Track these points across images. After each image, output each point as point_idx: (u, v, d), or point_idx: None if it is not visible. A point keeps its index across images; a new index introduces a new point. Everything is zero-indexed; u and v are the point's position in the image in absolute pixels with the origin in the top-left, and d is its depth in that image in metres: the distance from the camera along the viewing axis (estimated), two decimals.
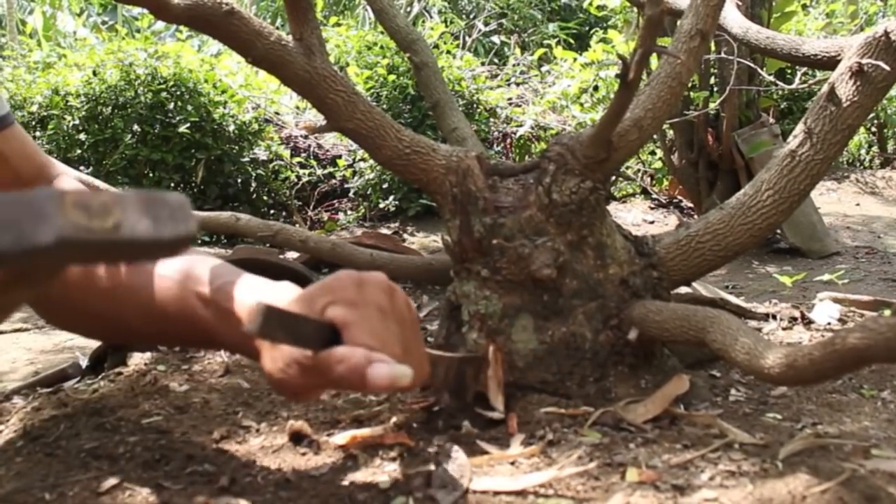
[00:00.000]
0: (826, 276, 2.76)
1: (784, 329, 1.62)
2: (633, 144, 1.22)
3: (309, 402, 0.83)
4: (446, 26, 7.74)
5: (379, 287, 0.82)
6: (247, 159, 5.37)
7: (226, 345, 0.95)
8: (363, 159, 5.65)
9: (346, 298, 0.79)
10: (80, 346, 2.04)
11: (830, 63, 1.48)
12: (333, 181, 5.90)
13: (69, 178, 1.10)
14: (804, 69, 4.39)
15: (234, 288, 0.88)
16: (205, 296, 0.90)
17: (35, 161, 1.08)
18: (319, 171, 5.85)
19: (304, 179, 5.75)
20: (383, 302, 0.81)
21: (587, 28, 10.26)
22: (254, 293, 0.87)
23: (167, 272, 0.93)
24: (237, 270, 0.94)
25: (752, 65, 3.26)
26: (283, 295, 0.86)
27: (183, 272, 0.93)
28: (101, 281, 0.97)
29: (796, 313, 1.71)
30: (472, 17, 10.64)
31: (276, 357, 0.79)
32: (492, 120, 6.16)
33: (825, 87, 1.23)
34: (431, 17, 10.52)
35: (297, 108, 6.45)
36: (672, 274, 1.24)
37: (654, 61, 2.15)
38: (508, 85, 7.02)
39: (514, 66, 7.57)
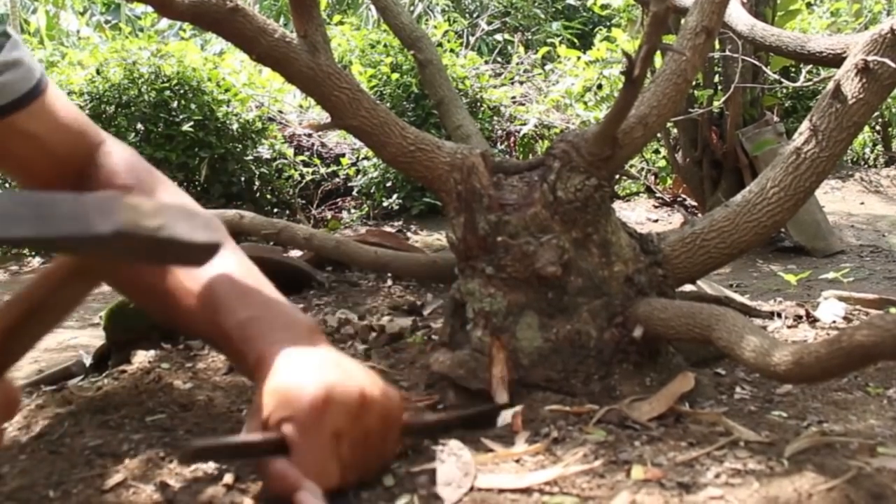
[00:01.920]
0: (831, 275, 2.75)
1: (789, 327, 1.61)
2: (639, 142, 1.22)
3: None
4: (450, 25, 7.74)
5: (343, 410, 0.79)
6: (250, 158, 5.37)
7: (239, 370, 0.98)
8: (367, 157, 5.65)
9: (301, 421, 0.78)
10: (83, 345, 2.04)
11: (836, 60, 1.48)
12: (337, 179, 5.90)
13: (108, 150, 1.06)
14: (808, 67, 4.38)
15: (252, 330, 0.89)
16: (221, 328, 0.91)
17: (69, 132, 1.03)
18: (323, 170, 5.85)
19: (308, 178, 5.75)
20: (343, 425, 0.79)
21: (591, 27, 10.25)
22: (266, 340, 0.87)
23: (192, 285, 0.94)
24: (264, 300, 0.94)
25: (756, 63, 3.26)
26: (299, 341, 0.87)
27: (207, 291, 0.93)
28: (150, 278, 0.97)
29: (801, 311, 1.71)
30: (475, 15, 10.63)
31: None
32: (495, 118, 6.16)
33: (831, 85, 1.23)
34: (434, 16, 10.52)
35: (301, 106, 6.45)
36: (677, 272, 1.24)
37: (658, 59, 2.14)
38: (512, 83, 7.01)
39: (517, 64, 7.56)
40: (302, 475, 0.76)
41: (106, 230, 0.63)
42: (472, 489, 0.81)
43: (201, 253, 0.72)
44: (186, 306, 0.94)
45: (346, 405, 0.79)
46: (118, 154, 1.06)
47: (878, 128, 7.71)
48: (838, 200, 6.09)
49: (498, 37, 10.30)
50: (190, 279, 0.94)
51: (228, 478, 0.85)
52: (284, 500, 0.76)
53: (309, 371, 0.81)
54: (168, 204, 0.68)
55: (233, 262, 0.97)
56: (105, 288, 1.14)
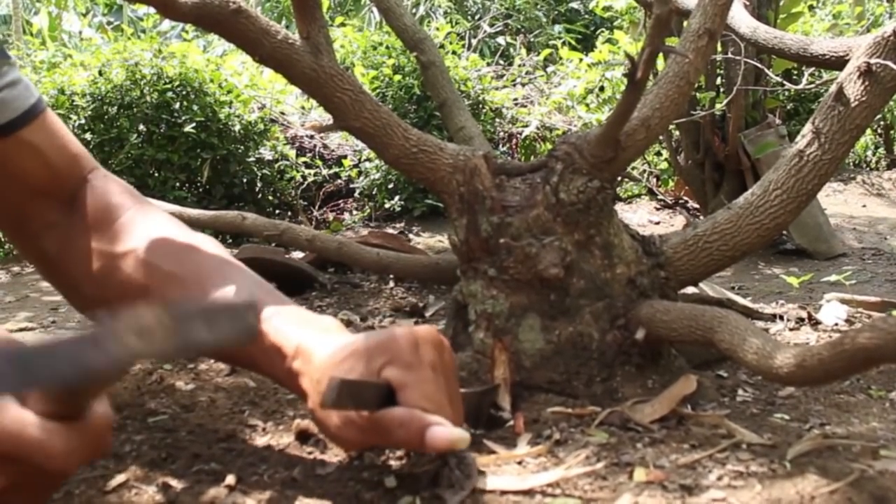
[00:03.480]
0: (833, 277, 2.75)
1: (791, 330, 1.62)
2: (641, 144, 1.22)
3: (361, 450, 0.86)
4: (452, 27, 7.74)
5: (432, 345, 0.83)
6: (252, 159, 5.36)
7: (267, 374, 0.95)
8: (369, 159, 5.65)
9: (403, 360, 0.80)
10: None
11: (839, 63, 1.48)
12: (339, 181, 5.90)
13: (103, 175, 1.08)
14: (811, 70, 4.38)
15: (282, 322, 0.88)
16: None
17: (68, 152, 1.05)
18: (325, 171, 5.85)
19: (310, 179, 5.75)
20: (435, 360, 0.82)
21: (593, 28, 10.25)
22: (301, 329, 0.87)
23: (212, 292, 0.93)
24: (281, 297, 0.94)
25: (758, 65, 3.25)
26: (330, 332, 0.87)
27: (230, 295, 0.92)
28: (140, 291, 0.96)
29: (803, 314, 1.71)
30: (477, 17, 10.64)
31: (331, 414, 0.80)
32: (497, 120, 6.15)
33: (833, 87, 1.23)
34: (437, 17, 10.53)
35: (303, 107, 6.45)
36: (679, 274, 1.24)
37: (660, 62, 2.14)
38: (514, 85, 7.01)
39: (519, 66, 7.56)
40: (425, 414, 0.77)
41: (101, 367, 0.57)
42: (474, 491, 0.81)
43: (226, 345, 0.65)
44: None
45: (431, 340, 0.83)
46: (112, 178, 1.08)
47: (880, 131, 7.70)
48: (840, 203, 6.08)
49: (500, 40, 10.30)
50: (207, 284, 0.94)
51: (230, 479, 0.85)
52: (414, 444, 0.76)
53: (386, 331, 0.84)
54: (185, 309, 0.60)
55: (239, 270, 0.97)
56: None
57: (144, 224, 1.00)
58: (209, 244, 1.00)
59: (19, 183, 1.02)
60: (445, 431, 0.76)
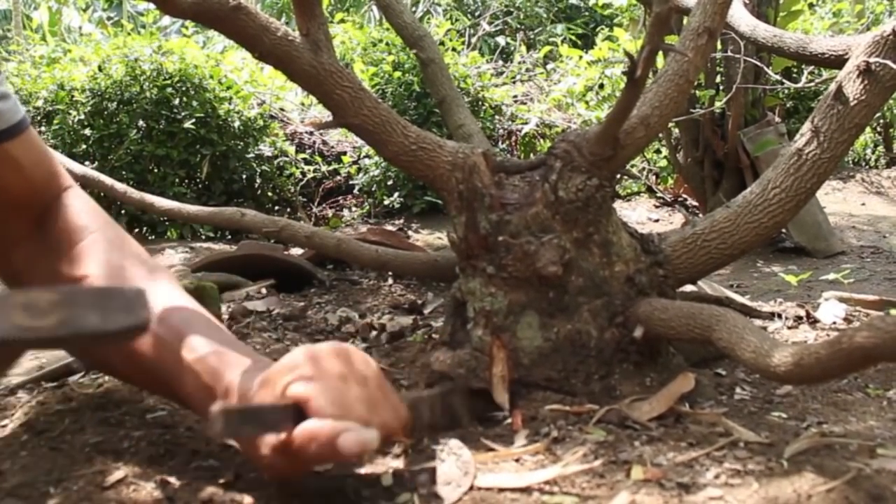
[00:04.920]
0: (831, 276, 2.75)
1: (789, 328, 1.62)
2: (640, 142, 1.22)
3: (296, 479, 0.84)
4: (452, 24, 7.73)
5: (333, 355, 0.82)
6: (252, 155, 5.37)
7: (199, 413, 0.92)
8: (368, 156, 5.65)
9: (304, 375, 0.79)
10: None
11: (838, 61, 1.48)
12: (338, 178, 5.90)
13: (76, 195, 1.09)
14: (810, 68, 4.38)
15: (214, 361, 0.87)
16: (186, 362, 0.88)
17: (46, 168, 1.07)
18: (324, 168, 5.85)
19: (309, 176, 5.75)
20: (341, 368, 0.81)
21: (593, 26, 10.24)
22: (233, 369, 0.86)
23: (155, 327, 0.91)
24: (227, 340, 0.93)
25: (758, 63, 3.25)
26: (257, 371, 0.85)
27: (173, 330, 0.91)
28: None
29: (802, 312, 1.71)
30: (477, 15, 10.62)
31: (254, 446, 0.79)
32: (497, 117, 6.15)
33: (833, 86, 1.23)
34: (437, 14, 10.52)
35: (303, 104, 6.45)
36: (678, 272, 1.24)
37: (660, 60, 2.14)
38: (514, 82, 7.01)
39: (519, 63, 7.56)
40: (333, 422, 0.75)
41: None
42: (471, 488, 0.81)
43: (117, 339, 0.64)
44: (141, 347, 0.92)
45: (334, 350, 0.83)
46: (82, 198, 1.09)
47: (879, 129, 7.70)
48: (839, 201, 6.09)
49: (500, 39, 10.29)
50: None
51: (229, 475, 0.85)
52: (329, 455, 0.75)
53: (288, 354, 0.84)
54: (75, 291, 0.61)
55: (184, 302, 0.97)
56: None
57: (103, 249, 1.01)
58: (163, 279, 1.00)
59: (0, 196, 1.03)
60: (354, 435, 0.74)
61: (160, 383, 0.93)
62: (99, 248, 1.00)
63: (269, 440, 0.77)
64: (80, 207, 1.06)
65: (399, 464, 0.89)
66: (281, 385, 0.79)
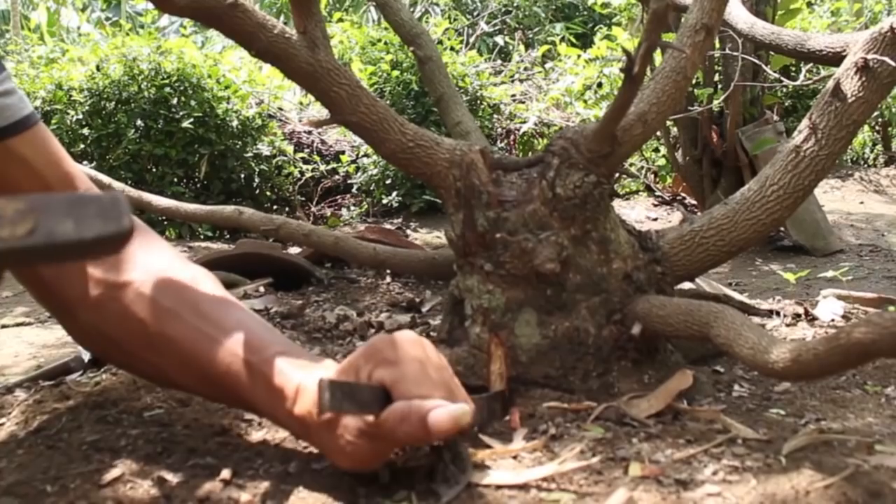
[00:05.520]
0: (830, 274, 2.75)
1: (788, 325, 1.62)
2: (638, 139, 1.22)
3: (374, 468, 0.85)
4: (450, 23, 7.73)
5: (411, 341, 0.84)
6: (250, 155, 5.37)
7: (266, 415, 0.94)
8: (366, 155, 5.65)
9: (387, 359, 0.81)
10: None
11: (836, 59, 1.48)
12: (336, 177, 5.90)
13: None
14: (809, 66, 4.38)
15: (285, 363, 0.88)
16: (252, 365, 0.88)
17: (61, 169, 1.03)
18: (322, 167, 5.85)
19: (307, 175, 5.75)
20: (419, 354, 0.83)
21: (591, 25, 10.24)
22: (302, 370, 0.86)
23: (212, 331, 0.91)
24: (285, 340, 0.94)
25: (756, 61, 3.25)
26: (328, 370, 0.87)
27: (230, 333, 0.91)
28: (139, 325, 0.94)
29: (800, 310, 1.71)
30: (475, 14, 10.62)
31: (339, 432, 0.81)
32: (495, 116, 6.15)
33: (830, 83, 1.23)
34: (435, 13, 10.51)
35: (301, 103, 6.45)
36: (676, 269, 1.24)
37: (658, 57, 2.14)
38: (512, 81, 7.01)
39: (517, 62, 7.56)
40: (420, 402, 0.78)
41: None
42: (469, 486, 0.81)
43: (97, 248, 0.57)
44: (200, 350, 0.92)
45: (410, 339, 0.85)
46: None
47: (877, 127, 7.70)
48: (838, 199, 6.09)
49: (498, 38, 10.29)
50: (205, 323, 0.93)
51: (226, 473, 0.85)
52: (420, 435, 0.76)
53: (367, 342, 0.86)
54: (44, 197, 0.54)
55: (233, 303, 0.97)
56: None
57: (147, 256, 0.99)
58: (208, 282, 0.99)
59: (7, 195, 1.00)
60: (445, 410, 0.76)
61: (222, 388, 0.92)
62: (141, 255, 0.99)
63: (358, 424, 0.79)
64: None
65: (396, 461, 0.89)
66: (366, 370, 0.81)
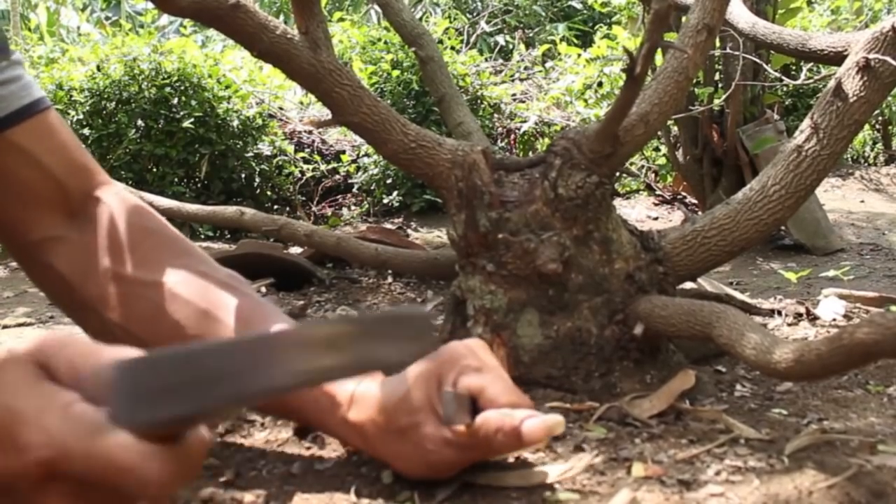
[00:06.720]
0: (831, 273, 2.75)
1: (789, 325, 1.62)
2: (640, 139, 1.22)
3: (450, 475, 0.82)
4: (451, 23, 7.73)
5: (485, 348, 0.84)
6: (251, 154, 5.36)
7: (312, 422, 0.91)
8: (367, 154, 5.64)
9: (472, 366, 0.80)
10: None
11: (837, 58, 1.48)
12: (337, 176, 5.89)
13: (115, 193, 0.98)
14: (809, 65, 4.38)
15: None
16: None
17: (71, 161, 0.96)
18: (323, 167, 5.84)
19: (308, 175, 5.75)
20: (495, 361, 0.83)
21: (591, 24, 10.24)
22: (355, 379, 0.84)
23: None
24: None
25: (757, 60, 3.25)
26: (377, 378, 0.85)
27: None
28: (173, 327, 0.90)
29: (801, 309, 1.71)
30: (476, 14, 10.62)
31: (417, 441, 0.78)
32: (496, 115, 6.15)
33: (832, 83, 1.23)
34: (436, 13, 10.52)
35: (301, 103, 6.45)
36: (678, 269, 1.24)
37: (659, 57, 2.14)
38: (512, 81, 7.00)
39: (518, 62, 7.55)
40: (511, 410, 0.76)
41: (280, 384, 0.50)
42: (471, 486, 0.81)
43: (400, 368, 0.59)
44: None
45: (482, 345, 0.85)
46: (129, 197, 0.99)
47: (878, 126, 7.70)
48: (838, 198, 6.08)
49: (499, 38, 10.28)
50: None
51: (229, 474, 0.85)
52: (513, 445, 0.76)
53: (443, 348, 0.85)
54: (369, 321, 0.54)
55: (269, 306, 0.95)
56: None
57: (174, 254, 0.94)
58: (244, 285, 0.96)
59: (9, 189, 0.93)
60: (539, 420, 0.75)
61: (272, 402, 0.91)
62: (168, 253, 0.94)
63: (438, 433, 0.77)
64: (129, 207, 0.97)
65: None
66: (452, 377, 0.80)
